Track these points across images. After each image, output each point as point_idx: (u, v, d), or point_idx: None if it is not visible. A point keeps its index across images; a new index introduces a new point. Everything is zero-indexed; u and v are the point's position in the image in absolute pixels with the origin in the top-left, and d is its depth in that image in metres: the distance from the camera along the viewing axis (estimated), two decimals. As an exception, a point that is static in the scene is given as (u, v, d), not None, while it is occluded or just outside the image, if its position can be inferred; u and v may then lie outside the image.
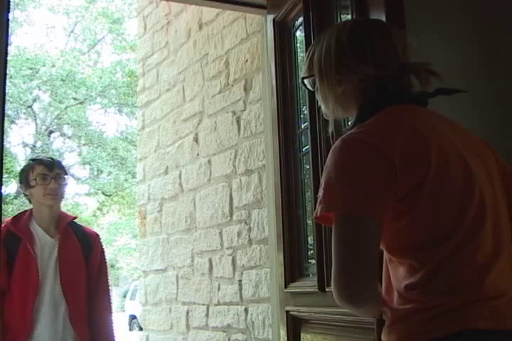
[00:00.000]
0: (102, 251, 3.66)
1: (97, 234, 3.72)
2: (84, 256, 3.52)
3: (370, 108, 1.76)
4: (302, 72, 1.95)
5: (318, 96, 1.87)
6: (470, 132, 1.81)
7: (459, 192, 1.62)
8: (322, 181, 1.64)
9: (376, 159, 1.59)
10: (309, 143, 2.94)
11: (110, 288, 3.73)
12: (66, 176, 3.60)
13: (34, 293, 3.32)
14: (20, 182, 3.56)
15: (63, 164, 3.71)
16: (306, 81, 1.91)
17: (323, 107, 1.88)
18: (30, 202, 3.59)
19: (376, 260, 1.60)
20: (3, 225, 3.34)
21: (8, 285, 3.29)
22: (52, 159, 3.65)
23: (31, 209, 3.56)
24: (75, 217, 3.70)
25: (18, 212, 3.68)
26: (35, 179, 3.46)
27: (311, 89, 1.91)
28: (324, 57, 1.80)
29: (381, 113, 1.72)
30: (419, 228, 1.61)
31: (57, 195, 3.52)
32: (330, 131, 1.97)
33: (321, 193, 1.63)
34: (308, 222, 3.17)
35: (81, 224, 3.76)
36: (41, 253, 3.41)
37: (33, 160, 3.63)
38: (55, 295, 3.38)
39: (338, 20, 2.90)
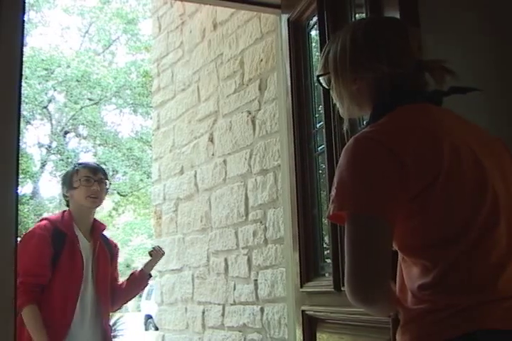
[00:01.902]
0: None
1: (117, 245, 3.91)
2: (109, 264, 3.72)
3: (383, 107, 1.75)
4: (317, 70, 1.94)
5: (334, 94, 1.87)
6: (484, 130, 1.80)
7: (472, 192, 1.61)
8: (335, 180, 1.64)
9: (388, 158, 1.58)
10: (324, 143, 2.94)
11: None
12: (108, 182, 3.72)
13: (77, 292, 3.46)
14: (63, 183, 3.69)
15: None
16: (321, 79, 1.91)
17: (338, 105, 1.89)
18: (67, 204, 3.69)
19: (388, 259, 1.59)
20: (45, 222, 3.57)
21: (49, 282, 3.41)
22: (97, 165, 3.84)
23: (69, 210, 3.65)
24: (106, 226, 3.86)
25: (59, 211, 3.81)
26: (79, 180, 3.58)
27: (327, 86, 1.91)
28: (339, 55, 1.80)
29: (394, 112, 1.71)
30: (430, 228, 1.60)
31: (98, 199, 3.64)
32: (344, 128, 1.98)
33: (333, 192, 1.63)
34: (324, 221, 3.16)
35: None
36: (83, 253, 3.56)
37: (79, 164, 3.79)
38: (93, 296, 3.53)
39: (353, 19, 2.89)
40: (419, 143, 1.61)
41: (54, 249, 3.44)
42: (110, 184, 3.79)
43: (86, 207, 3.63)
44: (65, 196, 3.69)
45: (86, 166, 3.69)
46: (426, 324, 1.57)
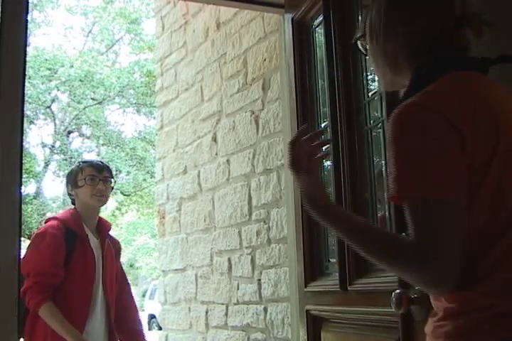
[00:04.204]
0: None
1: (120, 243, 3.92)
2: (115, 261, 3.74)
3: (429, 72, 1.58)
4: (356, 34, 1.80)
5: (370, 59, 1.76)
6: None
7: None
8: (391, 157, 1.46)
9: (445, 128, 1.41)
10: (330, 142, 2.93)
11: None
12: (113, 180, 3.73)
13: (90, 291, 3.48)
14: (68, 181, 3.68)
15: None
16: (359, 43, 1.78)
17: (375, 72, 1.77)
18: (73, 203, 3.68)
19: (463, 248, 1.41)
20: (56, 222, 3.55)
21: (62, 282, 3.42)
22: (102, 162, 3.82)
23: (76, 209, 3.65)
24: (111, 224, 3.89)
25: (65, 209, 3.88)
26: (84, 179, 3.57)
27: (364, 52, 1.78)
28: (376, 12, 1.70)
29: (443, 79, 1.54)
30: (474, 218, 1.44)
31: (103, 197, 3.63)
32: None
33: (394, 171, 1.44)
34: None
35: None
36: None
37: (83, 162, 3.77)
38: (102, 294, 3.55)
39: (359, 18, 2.89)
40: (477, 115, 1.45)
41: (67, 248, 3.44)
42: (115, 182, 3.79)
43: (91, 205, 3.63)
44: (70, 194, 3.68)
45: (91, 164, 3.68)
46: (459, 326, 1.44)
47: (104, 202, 3.72)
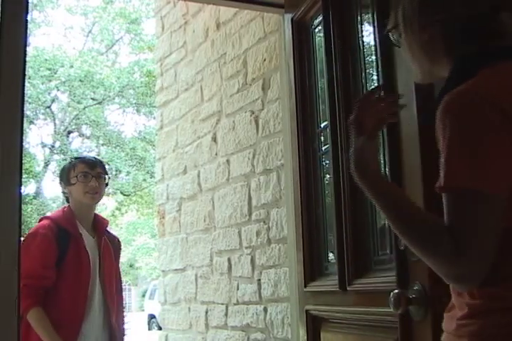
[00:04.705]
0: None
1: (119, 240, 3.84)
2: (114, 259, 3.67)
3: (473, 63, 1.50)
4: (388, 25, 1.73)
5: (404, 50, 1.69)
6: None
7: None
8: (441, 147, 1.40)
9: (500, 119, 1.35)
10: (329, 142, 2.93)
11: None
12: (107, 176, 3.63)
13: (85, 292, 3.40)
14: (61, 179, 3.60)
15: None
16: (390, 35, 1.71)
17: (410, 62, 1.69)
18: (67, 200, 3.61)
19: (496, 244, 1.36)
20: (47, 221, 3.50)
21: (56, 283, 3.35)
22: (95, 158, 3.74)
23: (69, 207, 3.57)
24: (108, 221, 3.80)
25: (58, 208, 3.80)
26: (76, 176, 3.49)
27: (396, 43, 1.72)
28: (409, 2, 1.62)
29: (491, 69, 1.46)
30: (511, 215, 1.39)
31: (97, 194, 3.56)
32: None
33: (443, 161, 1.39)
34: (328, 220, 3.16)
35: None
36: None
37: (75, 158, 3.69)
38: (100, 294, 3.48)
39: (359, 19, 2.90)
40: None
41: (59, 248, 3.36)
42: (109, 178, 3.70)
43: (85, 203, 3.55)
44: (63, 192, 3.61)
45: (83, 161, 3.60)
46: (483, 325, 1.38)
47: (98, 200, 3.63)
